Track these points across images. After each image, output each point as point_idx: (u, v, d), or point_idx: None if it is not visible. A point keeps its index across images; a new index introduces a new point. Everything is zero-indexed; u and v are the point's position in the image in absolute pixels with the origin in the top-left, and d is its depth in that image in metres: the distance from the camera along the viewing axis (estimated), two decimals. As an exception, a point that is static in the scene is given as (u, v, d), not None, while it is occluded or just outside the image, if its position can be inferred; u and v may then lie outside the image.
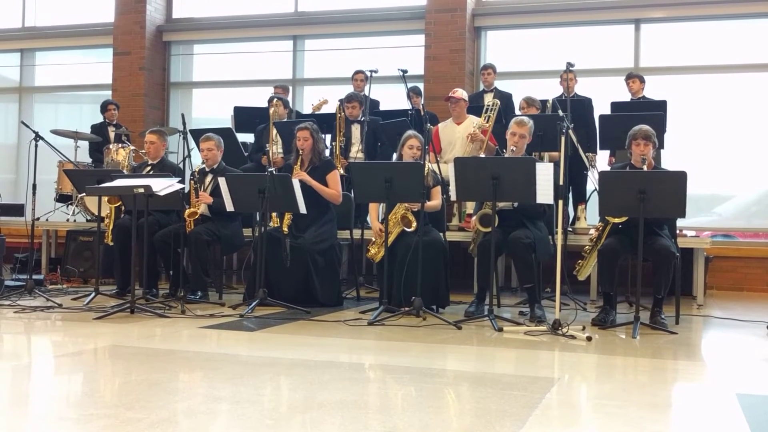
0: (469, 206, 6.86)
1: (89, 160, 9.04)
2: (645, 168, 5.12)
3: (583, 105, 7.47)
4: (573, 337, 4.73)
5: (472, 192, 5.40)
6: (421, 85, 8.99)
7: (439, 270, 5.76)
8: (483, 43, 9.81)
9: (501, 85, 8.34)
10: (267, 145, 7.41)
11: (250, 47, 11.01)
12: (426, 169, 5.66)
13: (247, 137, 8.48)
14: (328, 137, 7.58)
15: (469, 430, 2.72)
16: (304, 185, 5.93)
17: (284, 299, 5.81)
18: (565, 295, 5.55)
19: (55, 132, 8.75)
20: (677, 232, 5.88)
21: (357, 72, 8.52)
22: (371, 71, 7.22)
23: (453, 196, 5.44)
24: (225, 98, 10.54)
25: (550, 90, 7.71)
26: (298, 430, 2.68)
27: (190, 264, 6.45)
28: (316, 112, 8.02)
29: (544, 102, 7.22)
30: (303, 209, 5.80)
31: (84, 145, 9.14)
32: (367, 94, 7.59)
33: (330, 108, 8.21)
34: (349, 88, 8.24)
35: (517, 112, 7.28)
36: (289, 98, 8.72)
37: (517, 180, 5.09)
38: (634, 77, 7.72)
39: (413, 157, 5.82)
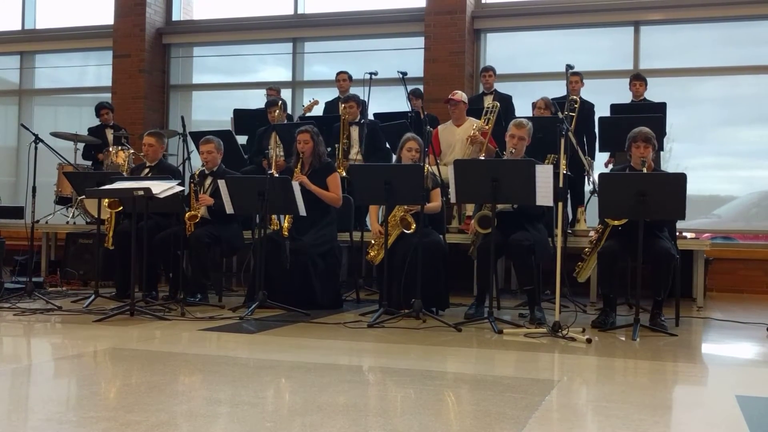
0: (469, 208, 6.86)
1: (89, 163, 9.03)
2: (645, 170, 5.13)
3: (585, 109, 7.48)
4: (573, 339, 4.73)
5: (472, 194, 5.40)
6: (420, 87, 8.99)
7: (439, 272, 5.76)
8: (482, 45, 9.82)
9: (500, 87, 8.35)
10: (269, 148, 7.40)
11: (250, 50, 11.02)
12: (425, 171, 5.66)
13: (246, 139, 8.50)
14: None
15: (469, 433, 2.72)
16: (304, 187, 5.93)
17: (284, 302, 5.80)
18: (564, 297, 5.55)
19: (55, 134, 8.75)
20: (677, 234, 5.88)
21: (340, 72, 8.49)
22: (371, 73, 7.22)
23: (453, 198, 5.45)
24: (225, 101, 10.55)
25: (549, 92, 7.71)
26: (298, 432, 2.68)
27: (190, 266, 6.45)
28: (308, 114, 8.02)
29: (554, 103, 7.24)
30: (303, 212, 5.80)
31: (83, 147, 9.13)
32: (358, 95, 7.59)
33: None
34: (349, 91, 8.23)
35: (529, 113, 7.29)
36: (289, 101, 8.72)
37: (516, 182, 5.09)
38: (640, 79, 7.70)
39: (412, 159, 5.82)
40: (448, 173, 5.55)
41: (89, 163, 9.02)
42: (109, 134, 9.18)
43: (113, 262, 6.67)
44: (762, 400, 3.39)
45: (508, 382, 3.57)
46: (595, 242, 5.44)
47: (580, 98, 7.52)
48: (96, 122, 9.43)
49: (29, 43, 11.87)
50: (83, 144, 9.10)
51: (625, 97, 7.75)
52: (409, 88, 7.24)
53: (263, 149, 7.68)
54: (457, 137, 7.04)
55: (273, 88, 8.79)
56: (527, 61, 9.66)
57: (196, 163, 6.77)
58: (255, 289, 5.83)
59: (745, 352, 4.88)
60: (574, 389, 3.63)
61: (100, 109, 9.37)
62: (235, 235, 6.61)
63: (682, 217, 5.10)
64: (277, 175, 5.93)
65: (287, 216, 6.09)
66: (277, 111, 7.64)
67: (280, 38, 10.74)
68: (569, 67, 6.74)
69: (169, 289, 6.66)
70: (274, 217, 6.41)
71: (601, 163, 7.62)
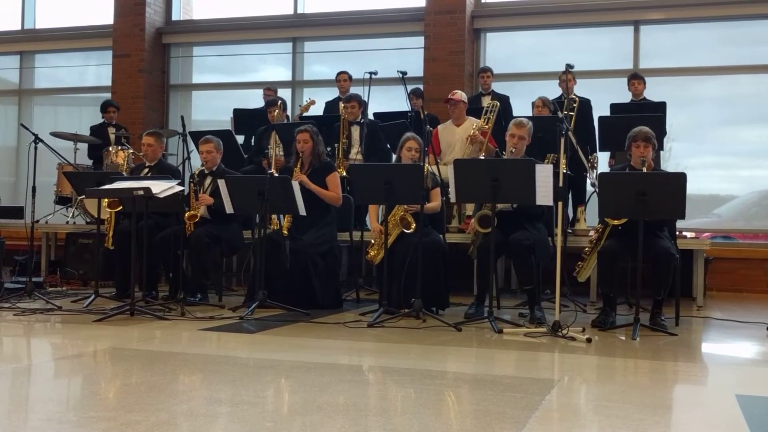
0: (469, 208, 6.86)
1: (89, 162, 9.03)
2: (644, 170, 5.12)
3: (582, 106, 7.48)
4: (573, 338, 4.72)
5: (472, 193, 5.40)
6: (420, 87, 8.98)
7: (439, 271, 5.76)
8: (482, 44, 9.82)
9: (500, 86, 8.35)
10: (269, 147, 7.41)
11: (250, 50, 11.02)
12: (425, 170, 5.65)
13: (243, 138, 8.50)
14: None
15: (469, 432, 2.72)
16: (304, 187, 5.93)
17: (284, 301, 5.80)
18: (564, 296, 5.55)
19: (55, 134, 8.75)
20: (677, 233, 5.88)
21: (340, 72, 8.50)
22: (371, 73, 7.22)
23: (453, 198, 5.44)
24: (225, 100, 10.55)
25: (549, 92, 7.71)
26: (298, 432, 2.68)
27: (190, 266, 6.45)
28: (305, 114, 8.02)
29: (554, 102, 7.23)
30: (303, 211, 5.80)
31: (83, 147, 9.15)
32: (360, 95, 7.59)
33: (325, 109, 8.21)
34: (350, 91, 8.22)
35: (528, 113, 7.29)
36: (289, 101, 8.72)
37: (516, 181, 5.09)
38: (639, 78, 7.70)
39: (412, 159, 5.82)
40: (448, 173, 5.55)
41: (91, 162, 9.02)
42: (111, 133, 9.18)
43: (113, 262, 6.67)
44: (762, 400, 3.39)
45: (508, 382, 3.57)
46: (595, 242, 5.44)
47: (577, 97, 7.52)
48: (98, 120, 9.43)
49: (29, 43, 11.87)
50: (86, 143, 9.11)
51: (625, 96, 7.74)
52: (409, 87, 7.25)
53: (263, 149, 7.68)
54: (457, 137, 7.04)
55: (270, 88, 8.79)
56: (527, 61, 9.65)
57: (196, 162, 6.77)
58: (255, 288, 5.83)
59: (745, 351, 4.88)
60: (574, 389, 3.64)
61: (107, 106, 9.38)
62: (235, 234, 6.62)
63: (682, 217, 5.10)
64: (276, 175, 5.94)
65: (287, 215, 6.09)
66: (277, 110, 7.65)
67: (280, 38, 10.73)
68: (569, 66, 6.75)
69: (169, 288, 6.66)
70: (274, 216, 6.41)
71: (604, 160, 7.61)
